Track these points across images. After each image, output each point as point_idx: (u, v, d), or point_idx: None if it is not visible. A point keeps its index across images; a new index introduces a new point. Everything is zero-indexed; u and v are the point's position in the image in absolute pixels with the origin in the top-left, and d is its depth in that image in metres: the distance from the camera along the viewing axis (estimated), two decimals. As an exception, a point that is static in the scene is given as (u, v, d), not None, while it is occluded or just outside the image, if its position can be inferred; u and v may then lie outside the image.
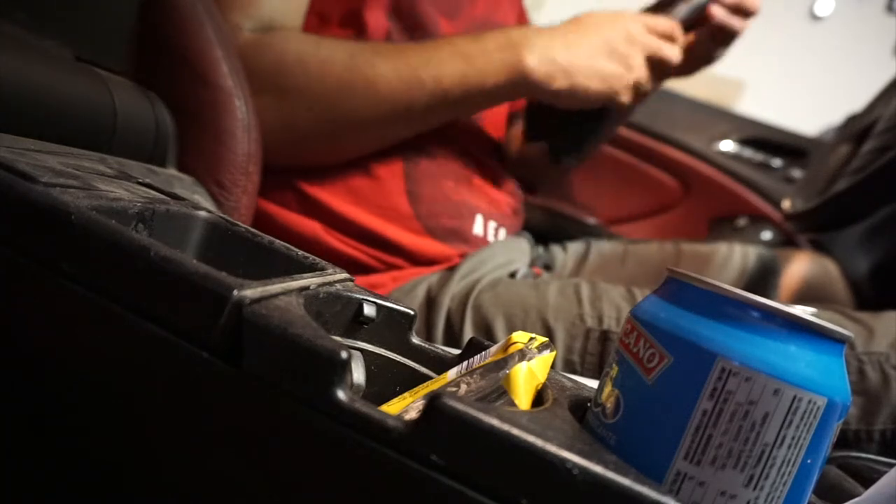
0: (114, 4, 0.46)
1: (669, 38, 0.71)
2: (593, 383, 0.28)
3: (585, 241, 0.96)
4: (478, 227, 0.75)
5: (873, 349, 0.55)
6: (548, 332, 0.62)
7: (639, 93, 0.71)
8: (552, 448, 0.19)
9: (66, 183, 0.26)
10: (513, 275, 0.75)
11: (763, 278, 0.93)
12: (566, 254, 0.93)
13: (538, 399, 0.26)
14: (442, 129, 0.73)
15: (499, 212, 0.79)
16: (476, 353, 0.29)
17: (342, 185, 0.69)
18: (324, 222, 0.68)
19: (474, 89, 0.65)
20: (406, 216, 0.70)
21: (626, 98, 0.69)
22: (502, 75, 0.65)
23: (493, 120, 0.83)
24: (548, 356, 0.27)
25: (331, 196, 0.68)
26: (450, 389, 0.26)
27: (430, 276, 0.69)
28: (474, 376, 0.26)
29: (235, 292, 0.22)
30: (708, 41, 0.75)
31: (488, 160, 0.79)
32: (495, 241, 0.77)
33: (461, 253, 0.72)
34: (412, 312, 0.32)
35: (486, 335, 0.62)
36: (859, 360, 0.55)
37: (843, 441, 0.54)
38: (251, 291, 0.22)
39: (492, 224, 0.77)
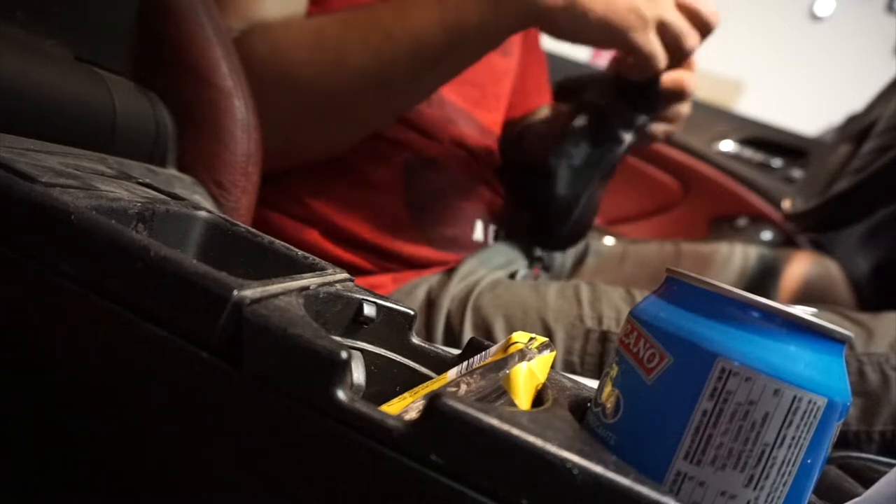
0: (114, 4, 0.46)
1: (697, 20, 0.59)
2: (593, 383, 0.28)
3: (584, 242, 0.96)
4: (478, 234, 0.75)
5: (873, 350, 0.56)
6: (547, 332, 0.62)
7: (665, 36, 0.58)
8: (552, 448, 0.19)
9: (66, 183, 0.26)
10: (512, 276, 0.75)
11: (763, 278, 0.93)
12: (564, 254, 0.93)
13: (538, 399, 0.26)
14: (442, 136, 0.72)
15: (499, 215, 0.79)
16: (476, 354, 0.29)
17: (341, 195, 0.68)
18: (322, 231, 0.67)
19: (456, 32, 0.57)
20: (405, 226, 0.69)
21: (640, 37, 0.57)
22: (483, 2, 0.56)
23: (493, 122, 0.83)
24: (548, 356, 0.27)
25: (329, 206, 0.67)
26: (450, 389, 0.26)
27: (429, 277, 0.69)
28: (474, 376, 0.26)
29: (235, 292, 0.22)
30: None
31: (489, 164, 0.79)
32: (495, 243, 0.77)
33: (460, 258, 0.72)
34: (412, 312, 0.32)
35: (485, 336, 0.63)
36: (859, 361, 0.55)
37: (844, 442, 0.55)
38: (251, 291, 0.22)
39: (492, 228, 0.77)
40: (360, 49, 0.58)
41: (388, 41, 0.57)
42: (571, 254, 0.94)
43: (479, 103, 0.78)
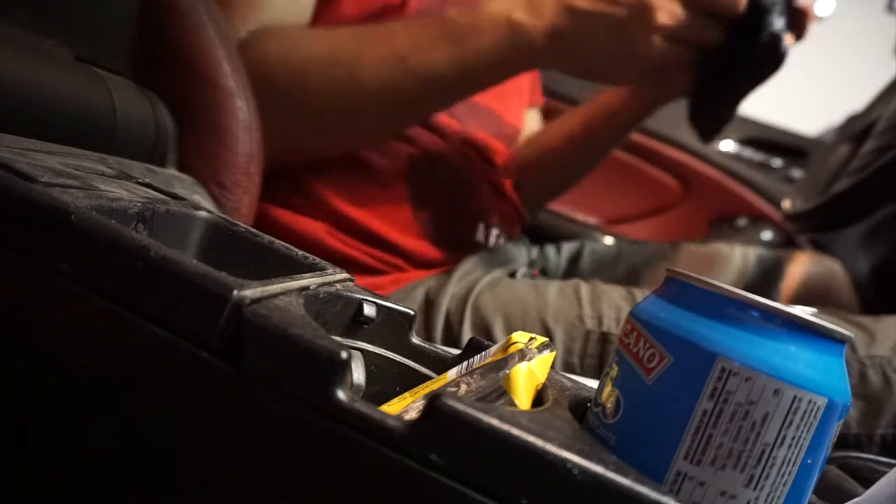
0: (114, 4, 0.46)
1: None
2: (593, 383, 0.28)
3: (579, 242, 0.96)
4: (479, 235, 0.75)
5: (875, 353, 0.55)
6: (547, 333, 0.62)
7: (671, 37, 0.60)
8: (552, 448, 0.19)
9: (66, 183, 0.26)
10: (512, 275, 0.75)
11: (763, 280, 0.93)
12: (560, 255, 0.93)
13: (538, 399, 0.26)
14: (450, 133, 0.73)
15: (501, 219, 0.79)
16: (476, 354, 0.29)
17: (348, 187, 0.68)
18: (327, 223, 0.67)
19: (471, 67, 0.61)
20: (409, 221, 0.69)
21: (646, 37, 0.59)
22: (501, 39, 0.60)
23: (516, 118, 0.83)
24: (548, 356, 0.27)
25: (336, 197, 0.67)
26: (450, 389, 0.26)
27: (428, 278, 0.69)
28: (474, 376, 0.26)
29: (235, 292, 0.22)
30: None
31: (495, 169, 0.79)
32: (495, 245, 0.77)
33: (461, 258, 0.72)
34: (412, 312, 0.32)
35: (485, 336, 0.62)
36: (861, 364, 0.55)
37: (844, 445, 0.54)
38: (251, 291, 0.22)
39: (493, 231, 0.77)
40: (373, 72, 0.60)
41: (401, 68, 0.60)
42: (566, 255, 0.94)
43: (500, 98, 0.79)
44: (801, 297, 0.94)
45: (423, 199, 0.70)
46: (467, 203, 0.74)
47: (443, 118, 0.72)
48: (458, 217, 0.73)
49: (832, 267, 0.97)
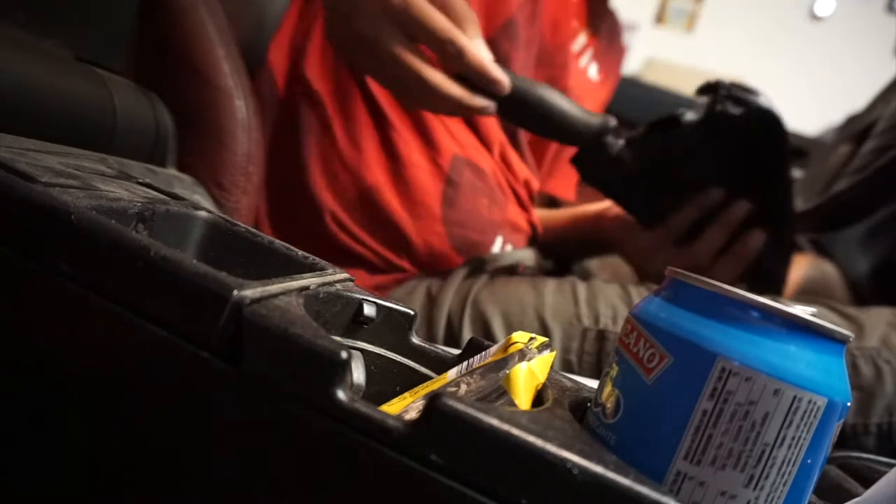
0: (114, 4, 0.46)
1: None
2: (593, 383, 0.28)
3: None
4: (496, 248, 0.76)
5: (865, 344, 0.56)
6: (545, 331, 0.62)
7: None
8: (552, 448, 0.19)
9: (66, 183, 0.26)
10: (513, 273, 0.75)
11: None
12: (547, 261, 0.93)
13: (538, 399, 0.26)
14: (489, 153, 0.73)
15: (518, 235, 0.79)
16: (476, 353, 0.29)
17: (383, 165, 0.68)
18: (340, 199, 0.67)
19: None
20: (434, 217, 0.70)
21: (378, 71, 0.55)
22: None
23: (536, 151, 0.84)
24: (548, 356, 0.27)
25: (368, 169, 0.67)
26: (450, 389, 0.26)
27: (431, 278, 0.69)
28: (474, 376, 0.26)
29: (235, 292, 0.22)
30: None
31: (523, 187, 0.80)
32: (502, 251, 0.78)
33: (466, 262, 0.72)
34: (412, 312, 0.32)
35: (483, 333, 0.63)
36: (852, 355, 0.56)
37: (841, 435, 0.55)
38: (251, 291, 0.22)
39: (508, 247, 0.78)
40: None
41: None
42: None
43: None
44: (796, 301, 0.93)
45: (456, 200, 0.70)
46: (494, 217, 0.75)
47: (491, 130, 0.73)
48: (481, 229, 0.73)
49: (828, 270, 0.97)
